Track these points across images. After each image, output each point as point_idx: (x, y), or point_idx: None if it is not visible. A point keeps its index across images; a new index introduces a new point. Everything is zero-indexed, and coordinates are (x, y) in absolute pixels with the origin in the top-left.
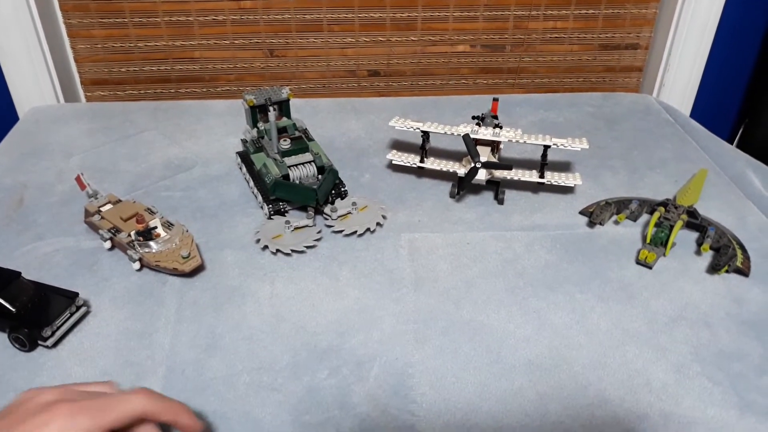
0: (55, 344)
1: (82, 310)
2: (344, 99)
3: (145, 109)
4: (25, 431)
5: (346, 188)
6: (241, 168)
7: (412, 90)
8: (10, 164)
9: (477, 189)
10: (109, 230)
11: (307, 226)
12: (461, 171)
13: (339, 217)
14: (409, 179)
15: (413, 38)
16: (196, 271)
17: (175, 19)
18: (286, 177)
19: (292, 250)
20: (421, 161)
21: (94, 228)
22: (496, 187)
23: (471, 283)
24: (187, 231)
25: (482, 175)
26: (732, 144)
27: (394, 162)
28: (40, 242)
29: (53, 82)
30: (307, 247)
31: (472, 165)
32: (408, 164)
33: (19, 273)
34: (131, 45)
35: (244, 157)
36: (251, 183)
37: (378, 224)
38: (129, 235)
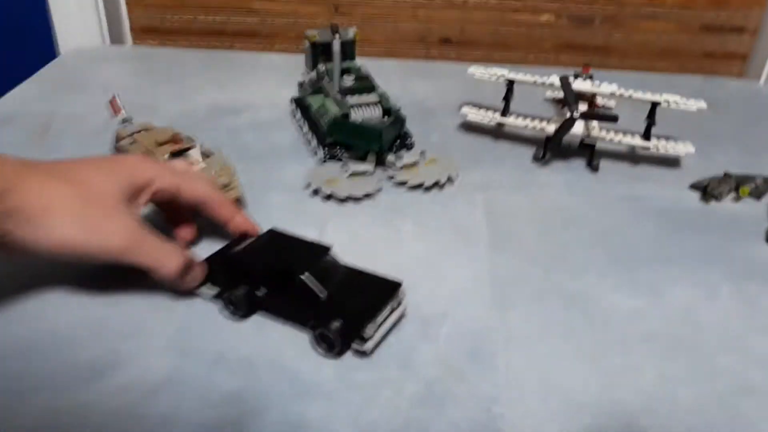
0: (372, 350)
1: (402, 308)
2: (413, 61)
3: (196, 57)
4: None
5: (413, 139)
6: (294, 115)
7: (486, 63)
8: (41, 94)
9: (566, 154)
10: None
11: (366, 172)
12: (550, 128)
13: (404, 166)
14: (484, 141)
15: (492, 2)
16: None
17: None
18: (346, 117)
19: (348, 197)
20: (503, 115)
21: (125, 153)
22: (590, 151)
23: (564, 249)
24: (229, 160)
25: (579, 129)
26: None
27: (468, 119)
28: None
29: (101, 27)
30: (366, 195)
31: (568, 116)
32: (485, 122)
33: (329, 248)
34: None
35: (300, 102)
36: (305, 128)
37: (449, 178)
38: (163, 158)
